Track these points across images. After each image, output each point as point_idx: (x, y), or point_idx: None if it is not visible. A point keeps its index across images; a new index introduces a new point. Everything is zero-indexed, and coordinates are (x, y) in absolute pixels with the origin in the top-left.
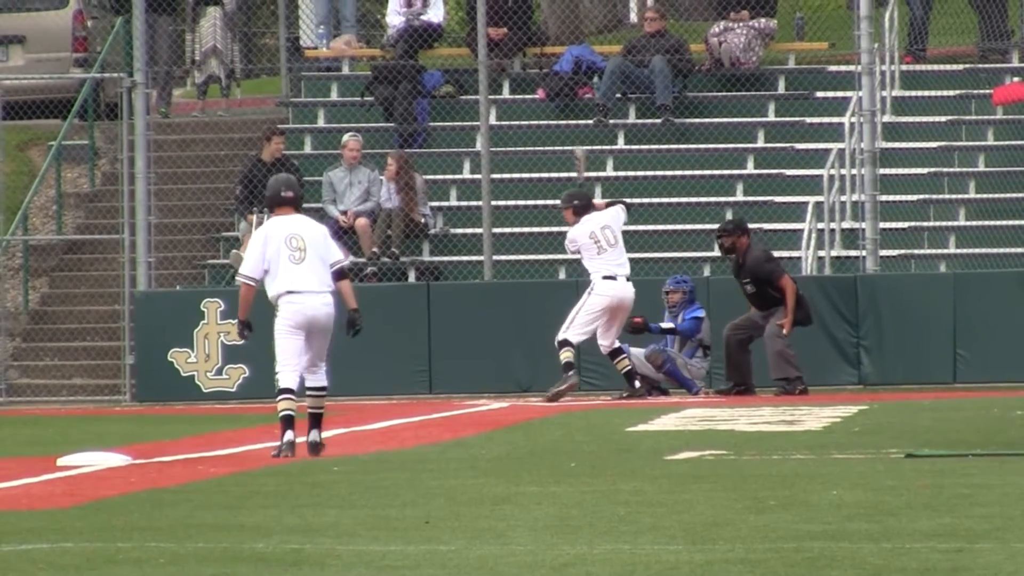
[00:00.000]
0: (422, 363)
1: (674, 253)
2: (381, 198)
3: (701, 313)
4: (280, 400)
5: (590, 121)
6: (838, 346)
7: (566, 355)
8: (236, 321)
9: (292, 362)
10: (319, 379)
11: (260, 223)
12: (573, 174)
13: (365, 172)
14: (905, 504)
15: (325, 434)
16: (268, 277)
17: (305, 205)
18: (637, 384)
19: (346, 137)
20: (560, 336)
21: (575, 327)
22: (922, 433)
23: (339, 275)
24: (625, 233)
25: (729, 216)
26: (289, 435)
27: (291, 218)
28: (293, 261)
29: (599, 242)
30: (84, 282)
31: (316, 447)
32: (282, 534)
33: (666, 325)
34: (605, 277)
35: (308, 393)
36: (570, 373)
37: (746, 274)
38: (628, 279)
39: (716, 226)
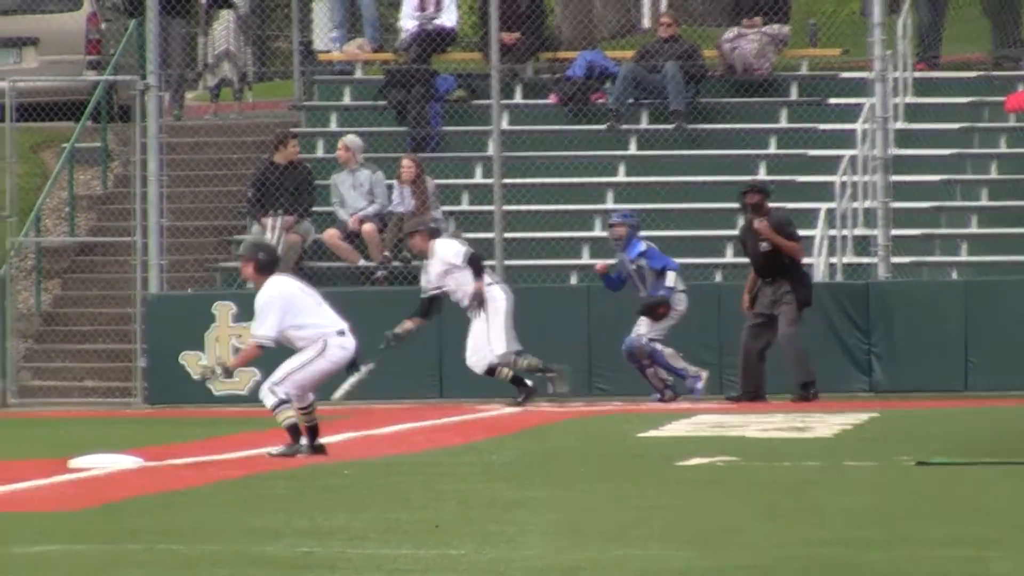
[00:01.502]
0: (433, 367)
1: (685, 259)
2: (393, 202)
3: (656, 262)
4: (281, 411)
5: (602, 126)
6: (849, 353)
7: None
8: (219, 366)
9: (296, 393)
10: (309, 397)
11: (274, 227)
12: (585, 179)
13: (366, 174)
14: (916, 512)
15: (334, 438)
16: (297, 326)
17: (316, 208)
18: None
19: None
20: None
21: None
22: (933, 441)
23: None
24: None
25: (740, 222)
26: (303, 441)
27: (289, 277)
28: (321, 305)
29: None
30: (96, 284)
31: (322, 448)
32: (293, 537)
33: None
34: None
35: (303, 412)
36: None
37: (770, 224)
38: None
39: (727, 232)
